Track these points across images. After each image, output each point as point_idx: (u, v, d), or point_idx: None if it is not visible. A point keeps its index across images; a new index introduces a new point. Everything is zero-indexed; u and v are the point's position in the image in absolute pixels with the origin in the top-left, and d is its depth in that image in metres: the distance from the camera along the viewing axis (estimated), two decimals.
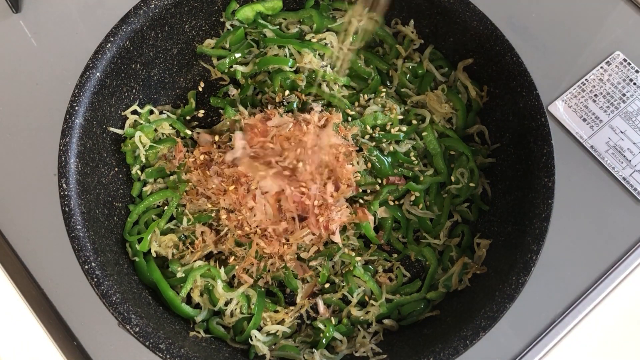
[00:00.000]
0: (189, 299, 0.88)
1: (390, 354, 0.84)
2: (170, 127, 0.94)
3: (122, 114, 0.92)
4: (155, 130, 0.93)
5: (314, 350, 0.85)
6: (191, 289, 0.87)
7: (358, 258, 0.89)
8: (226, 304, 0.87)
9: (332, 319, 0.87)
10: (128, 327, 0.76)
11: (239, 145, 0.87)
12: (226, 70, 1.00)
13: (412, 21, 0.98)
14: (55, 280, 0.92)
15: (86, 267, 0.78)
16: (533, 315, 0.90)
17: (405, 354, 0.81)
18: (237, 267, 0.88)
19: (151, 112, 0.94)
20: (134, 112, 0.93)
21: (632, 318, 0.91)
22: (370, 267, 0.90)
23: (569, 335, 0.89)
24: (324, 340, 0.85)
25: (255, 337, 0.85)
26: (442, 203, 0.93)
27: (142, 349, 0.76)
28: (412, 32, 0.99)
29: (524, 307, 0.88)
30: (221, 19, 0.99)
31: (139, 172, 0.92)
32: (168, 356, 0.75)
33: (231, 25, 1.00)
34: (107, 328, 0.87)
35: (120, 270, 0.83)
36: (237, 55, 0.99)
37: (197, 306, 0.88)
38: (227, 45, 1.00)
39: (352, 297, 0.89)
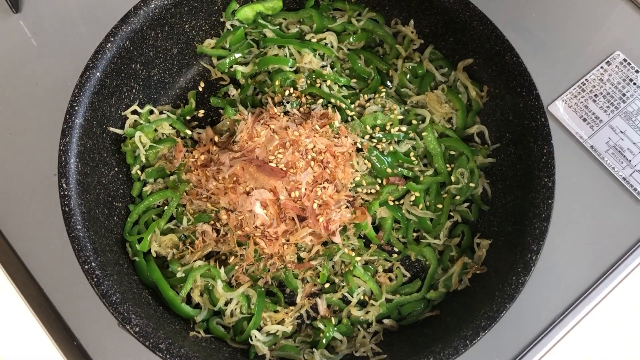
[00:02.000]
0: (189, 299, 0.88)
1: (390, 354, 0.84)
2: (170, 127, 0.94)
3: (122, 114, 0.92)
4: (155, 130, 0.93)
5: (314, 350, 0.85)
6: (191, 289, 0.87)
7: (358, 258, 0.89)
8: (226, 304, 0.87)
9: (332, 319, 0.87)
10: (128, 327, 0.76)
11: (226, 163, 0.87)
12: (226, 70, 1.00)
13: (412, 21, 0.98)
14: (55, 280, 0.92)
15: (86, 267, 0.78)
16: (533, 315, 0.90)
17: (405, 354, 0.81)
18: (236, 267, 0.88)
19: (151, 112, 0.94)
20: (134, 112, 0.93)
21: (632, 318, 0.91)
22: (370, 267, 0.90)
23: (569, 335, 0.89)
24: (324, 340, 0.85)
25: (255, 337, 0.85)
26: (442, 203, 0.93)
27: (142, 349, 0.76)
28: (412, 32, 0.99)
29: (524, 307, 0.89)
30: (221, 19, 0.99)
31: (139, 172, 0.92)
32: (168, 356, 0.75)
33: (231, 25, 1.00)
34: (107, 328, 0.87)
35: (120, 270, 0.83)
36: (237, 55, 0.99)
37: (197, 306, 0.88)
38: (227, 45, 1.00)
39: (352, 297, 0.89)
